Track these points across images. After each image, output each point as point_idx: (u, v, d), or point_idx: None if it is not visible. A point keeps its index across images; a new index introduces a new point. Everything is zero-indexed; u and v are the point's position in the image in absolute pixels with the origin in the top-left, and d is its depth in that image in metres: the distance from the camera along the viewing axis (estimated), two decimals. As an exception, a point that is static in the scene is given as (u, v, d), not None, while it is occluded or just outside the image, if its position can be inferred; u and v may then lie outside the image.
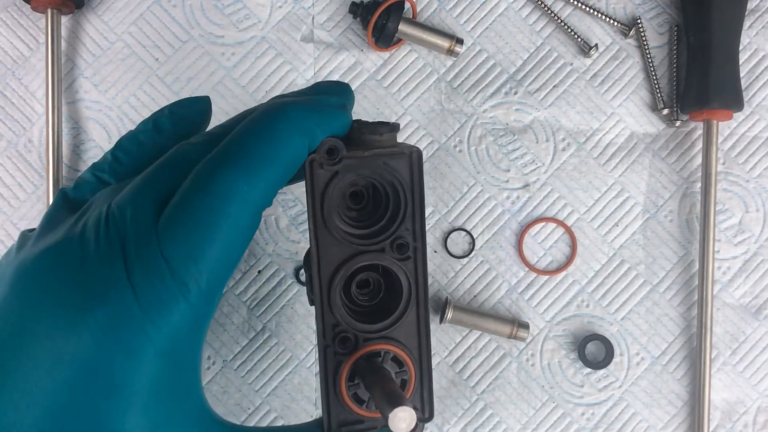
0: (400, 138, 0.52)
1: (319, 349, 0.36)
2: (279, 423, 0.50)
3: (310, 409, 0.50)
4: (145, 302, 0.28)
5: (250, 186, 0.30)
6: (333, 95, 0.36)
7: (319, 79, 0.52)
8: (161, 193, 0.30)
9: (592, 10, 0.52)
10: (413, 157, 0.36)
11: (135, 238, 0.29)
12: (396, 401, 0.32)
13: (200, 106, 0.38)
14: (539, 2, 0.52)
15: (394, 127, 0.37)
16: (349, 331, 0.37)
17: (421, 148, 0.52)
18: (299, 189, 0.51)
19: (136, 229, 0.29)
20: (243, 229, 0.31)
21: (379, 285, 0.38)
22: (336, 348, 0.36)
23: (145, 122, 0.37)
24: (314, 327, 0.51)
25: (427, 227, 0.51)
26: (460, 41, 0.51)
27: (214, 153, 0.31)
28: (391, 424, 0.31)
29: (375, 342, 0.37)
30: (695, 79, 0.50)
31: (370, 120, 0.44)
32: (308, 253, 0.38)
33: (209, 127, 0.37)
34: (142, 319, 0.28)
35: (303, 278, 0.51)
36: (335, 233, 0.36)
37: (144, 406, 0.29)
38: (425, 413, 0.38)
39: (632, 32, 0.52)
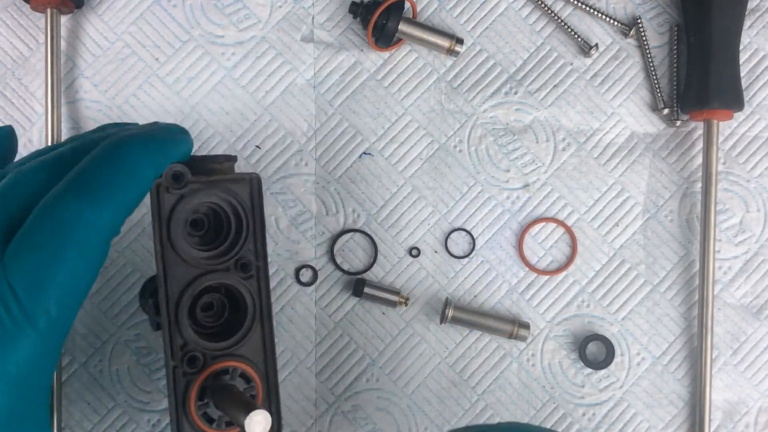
0: (402, 136, 0.52)
1: (167, 370, 0.37)
2: (279, 423, 0.50)
3: (310, 409, 0.50)
4: None
5: (96, 214, 0.31)
6: (173, 125, 0.37)
7: (320, 79, 0.52)
8: (4, 224, 0.30)
9: (592, 10, 0.52)
10: (253, 182, 0.38)
11: None
12: (249, 407, 0.33)
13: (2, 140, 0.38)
14: (539, 2, 0.52)
15: (230, 158, 0.39)
16: (197, 350, 0.38)
17: (421, 148, 0.52)
18: (299, 189, 0.51)
19: None
20: (91, 256, 0.31)
21: (222, 306, 0.39)
22: (184, 368, 0.37)
23: None
24: (315, 327, 0.51)
25: (428, 227, 0.51)
26: (460, 41, 0.51)
27: (62, 182, 0.31)
28: (248, 429, 0.32)
29: (222, 360, 0.38)
30: (695, 79, 0.50)
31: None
32: (151, 279, 0.39)
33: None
34: None
35: (303, 278, 0.51)
36: (182, 254, 0.37)
37: None
38: (274, 427, 0.38)
39: (632, 32, 0.52)
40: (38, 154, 0.35)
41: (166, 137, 0.35)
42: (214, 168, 0.38)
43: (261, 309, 0.40)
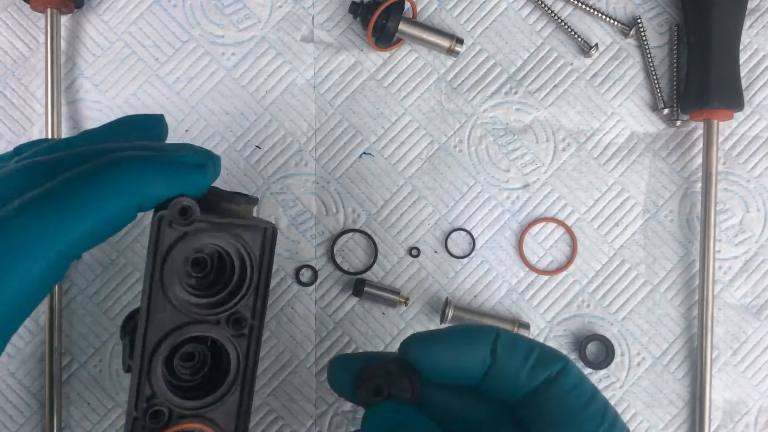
0: (402, 136, 0.52)
1: (127, 419, 0.34)
2: (279, 423, 0.50)
3: (310, 409, 0.50)
4: None
5: (54, 237, 0.29)
6: (193, 156, 0.34)
7: (320, 79, 0.52)
8: None
9: (592, 10, 0.52)
10: (267, 233, 0.34)
11: None
12: None
13: None
14: (539, 2, 0.52)
15: (251, 200, 0.36)
16: (164, 404, 0.34)
17: (421, 148, 0.52)
18: (299, 189, 0.51)
19: None
20: (39, 278, 0.29)
21: (204, 359, 0.36)
22: (146, 422, 0.34)
23: None
24: (314, 327, 0.51)
25: (428, 227, 0.51)
26: (460, 41, 0.51)
27: (32, 194, 0.29)
28: None
29: (190, 420, 0.35)
30: (695, 79, 0.50)
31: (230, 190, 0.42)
32: (132, 314, 0.36)
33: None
34: None
35: (303, 278, 0.51)
36: (171, 298, 0.34)
37: None
38: None
39: (632, 32, 0.52)
40: (40, 143, 0.34)
41: (171, 167, 0.32)
42: (230, 209, 0.35)
43: (245, 373, 0.36)
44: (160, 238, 0.33)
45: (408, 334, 0.50)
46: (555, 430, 0.32)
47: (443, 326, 0.51)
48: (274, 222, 0.51)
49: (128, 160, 0.31)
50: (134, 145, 0.34)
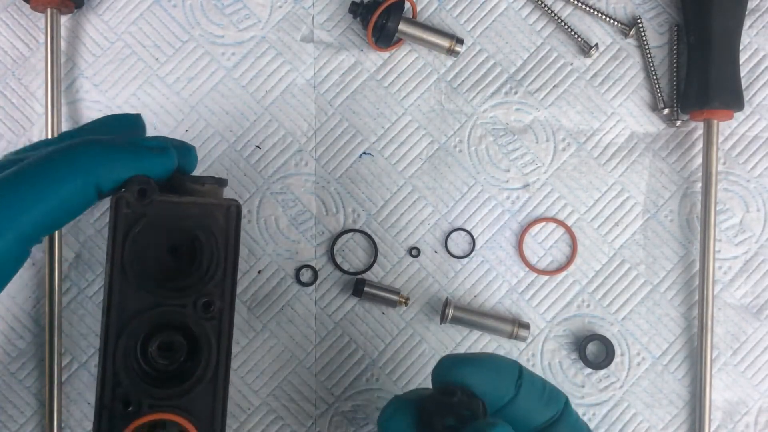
0: (402, 136, 0.52)
1: (95, 410, 0.33)
2: (279, 423, 0.50)
3: (310, 410, 0.50)
4: None
5: (10, 219, 0.29)
6: (154, 141, 0.35)
7: (320, 79, 0.52)
8: None
9: (592, 10, 0.52)
10: (231, 210, 0.33)
11: None
12: None
13: None
14: (539, 2, 0.52)
15: (220, 182, 0.35)
16: (133, 394, 0.33)
17: (421, 148, 0.52)
18: (299, 189, 0.51)
19: None
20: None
21: (181, 349, 0.34)
22: (113, 410, 0.33)
23: None
24: (314, 327, 0.51)
25: (428, 227, 0.51)
26: (460, 41, 0.51)
27: None
28: None
29: (161, 410, 0.33)
30: (695, 79, 0.50)
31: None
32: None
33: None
34: None
35: (303, 278, 0.51)
36: (133, 280, 0.33)
37: None
38: None
39: (632, 32, 0.52)
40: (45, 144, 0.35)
41: (130, 149, 0.33)
42: (195, 189, 0.34)
43: (218, 359, 0.34)
44: (118, 218, 0.32)
45: (408, 334, 0.51)
46: None
47: (444, 322, 0.51)
48: (275, 220, 0.51)
49: (84, 142, 0.32)
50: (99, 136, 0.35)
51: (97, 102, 0.51)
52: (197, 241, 0.34)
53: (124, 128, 0.39)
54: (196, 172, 0.39)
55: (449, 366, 0.33)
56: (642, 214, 0.52)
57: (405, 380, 0.51)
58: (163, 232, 0.34)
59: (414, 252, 0.51)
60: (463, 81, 0.52)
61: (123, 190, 0.33)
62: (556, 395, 0.35)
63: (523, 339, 0.50)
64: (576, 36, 0.52)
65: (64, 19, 0.51)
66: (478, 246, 0.52)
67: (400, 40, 0.51)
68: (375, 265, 0.51)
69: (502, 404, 0.33)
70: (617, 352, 0.51)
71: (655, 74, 0.52)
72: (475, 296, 0.51)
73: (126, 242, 0.33)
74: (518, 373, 0.34)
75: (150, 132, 0.51)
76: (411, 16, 0.51)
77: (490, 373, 0.33)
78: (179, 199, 0.33)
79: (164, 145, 0.34)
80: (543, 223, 0.52)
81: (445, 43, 0.50)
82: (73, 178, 0.31)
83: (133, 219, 0.33)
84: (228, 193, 0.51)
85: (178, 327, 0.34)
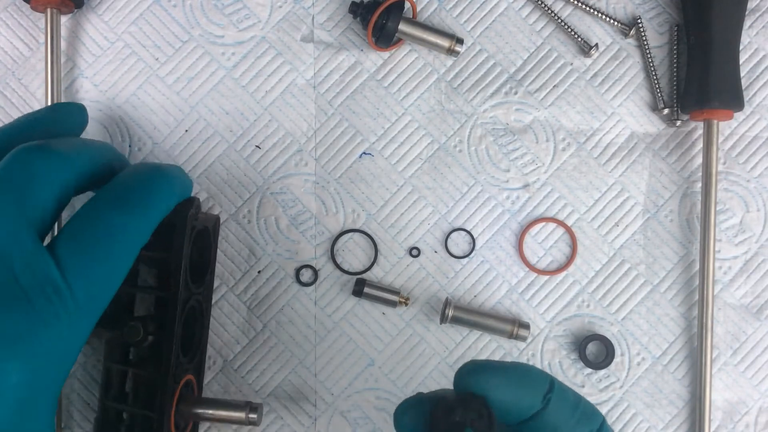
0: (402, 136, 0.52)
1: (161, 381, 0.42)
2: (279, 423, 0.50)
3: (310, 410, 0.50)
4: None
5: (137, 225, 0.36)
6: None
7: (320, 79, 0.52)
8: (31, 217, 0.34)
9: (592, 10, 0.52)
10: (218, 220, 0.49)
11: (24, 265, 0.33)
12: (251, 404, 0.44)
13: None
14: (539, 2, 0.52)
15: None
16: (178, 362, 0.43)
17: (421, 148, 0.52)
18: (299, 189, 0.51)
19: (26, 259, 0.33)
20: (129, 260, 0.36)
21: (200, 324, 0.47)
22: (171, 371, 0.42)
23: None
24: (314, 327, 0.51)
25: (428, 227, 0.51)
26: (460, 41, 0.51)
27: (110, 193, 0.37)
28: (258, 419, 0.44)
29: (187, 372, 0.45)
30: (695, 79, 0.50)
31: None
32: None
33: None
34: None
35: (303, 278, 0.51)
36: (188, 277, 0.44)
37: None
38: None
39: (632, 32, 0.52)
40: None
41: (185, 179, 0.42)
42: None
43: (204, 329, 0.47)
44: (186, 229, 0.42)
45: (408, 334, 0.51)
46: None
47: (444, 322, 0.51)
48: (275, 220, 0.51)
49: (166, 169, 0.40)
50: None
51: (97, 102, 0.51)
52: (213, 245, 0.48)
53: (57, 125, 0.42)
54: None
55: (469, 371, 0.32)
56: (642, 214, 0.52)
57: (405, 380, 0.51)
58: (200, 238, 0.46)
59: (414, 252, 0.51)
60: (463, 81, 0.52)
61: (189, 209, 0.42)
62: (591, 413, 0.33)
63: (523, 339, 0.50)
64: (576, 36, 0.52)
65: (64, 19, 0.51)
66: (478, 246, 0.52)
67: (400, 40, 0.51)
68: (375, 265, 0.51)
69: (527, 417, 0.32)
70: (617, 352, 0.51)
71: (655, 74, 0.52)
72: (475, 296, 0.51)
73: (190, 246, 0.43)
74: (549, 386, 0.32)
75: (150, 132, 0.51)
76: (411, 16, 0.51)
77: (513, 383, 0.32)
78: (205, 213, 0.46)
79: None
80: (543, 223, 0.52)
81: (445, 43, 0.50)
82: (173, 199, 0.41)
83: (192, 228, 0.43)
84: (228, 193, 0.51)
85: (195, 308, 0.46)
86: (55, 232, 0.46)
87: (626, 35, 0.52)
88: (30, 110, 0.51)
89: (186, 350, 0.45)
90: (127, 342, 0.43)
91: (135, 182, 0.38)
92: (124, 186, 0.37)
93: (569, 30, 0.52)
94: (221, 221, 0.51)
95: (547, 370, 0.51)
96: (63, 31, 0.51)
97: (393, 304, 0.50)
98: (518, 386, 0.32)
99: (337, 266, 0.51)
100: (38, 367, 0.32)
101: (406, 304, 0.50)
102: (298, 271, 0.51)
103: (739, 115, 0.52)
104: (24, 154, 0.34)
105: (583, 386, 0.51)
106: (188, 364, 0.45)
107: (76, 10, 0.51)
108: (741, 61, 0.51)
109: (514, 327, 0.50)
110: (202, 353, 0.48)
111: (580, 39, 0.52)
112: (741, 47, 0.51)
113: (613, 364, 0.51)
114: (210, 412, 0.44)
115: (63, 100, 0.51)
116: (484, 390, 0.32)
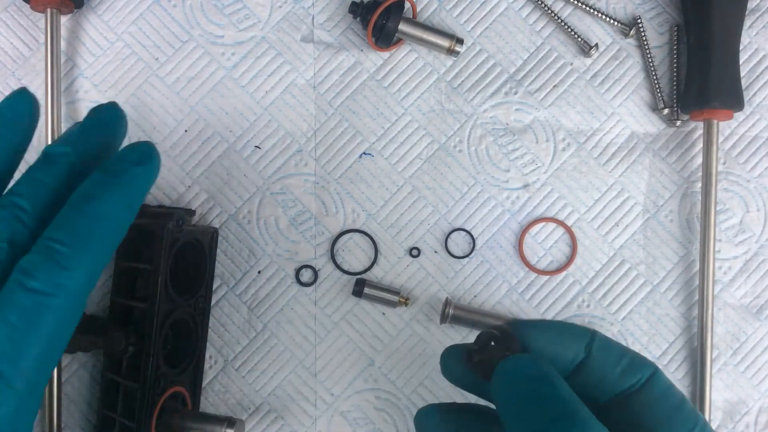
0: (402, 136, 0.52)
1: (141, 391, 0.43)
2: (279, 423, 0.50)
3: (310, 410, 0.50)
4: None
5: (72, 279, 0.29)
6: (145, 150, 0.33)
7: (320, 79, 0.52)
8: None
9: (592, 10, 0.52)
10: (215, 234, 0.49)
11: None
12: (231, 420, 0.44)
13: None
14: (539, 2, 0.52)
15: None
16: (163, 375, 0.44)
17: (421, 148, 0.52)
18: (299, 189, 0.51)
19: None
20: (67, 320, 0.29)
21: (191, 337, 0.48)
22: (155, 387, 0.43)
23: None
24: (314, 327, 0.51)
25: (428, 227, 0.51)
26: (460, 41, 0.51)
27: (40, 247, 0.29)
28: None
29: (174, 385, 0.45)
30: (695, 79, 0.50)
31: None
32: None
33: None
34: None
35: (303, 279, 0.51)
36: (169, 289, 0.44)
37: None
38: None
39: (632, 32, 0.52)
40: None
41: (131, 173, 0.31)
42: (152, 210, 0.47)
43: (200, 343, 0.48)
44: (165, 242, 0.43)
45: (408, 335, 0.51)
46: None
47: (444, 322, 0.51)
48: (275, 220, 0.51)
49: (102, 186, 0.31)
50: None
51: (97, 102, 0.51)
52: (206, 257, 0.48)
53: (107, 137, 0.34)
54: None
55: (517, 321, 0.33)
56: (642, 214, 0.52)
57: (405, 380, 0.51)
58: (191, 251, 0.47)
59: (414, 252, 0.51)
60: (463, 81, 0.52)
61: (168, 222, 0.43)
62: (640, 362, 0.33)
63: (523, 339, 0.50)
64: (576, 36, 0.52)
65: (64, 19, 0.51)
66: (478, 246, 0.52)
67: (400, 40, 0.51)
68: (375, 265, 0.51)
69: (572, 367, 0.32)
70: (617, 352, 0.51)
71: (655, 74, 0.52)
72: (475, 296, 0.51)
73: (170, 260, 0.44)
74: (590, 337, 0.33)
75: (149, 132, 0.51)
76: (411, 16, 0.51)
77: (553, 334, 0.32)
78: (193, 226, 0.47)
79: (149, 152, 0.32)
80: (543, 223, 0.52)
81: (445, 43, 0.50)
82: (126, 219, 0.31)
83: (173, 242, 0.44)
84: (228, 193, 0.51)
85: (184, 320, 0.46)
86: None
87: (626, 35, 0.52)
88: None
89: (174, 362, 0.45)
90: (110, 352, 0.44)
91: (57, 229, 0.30)
92: (50, 235, 0.30)
93: (569, 30, 0.52)
94: (221, 221, 0.51)
95: (547, 370, 0.51)
96: (63, 31, 0.51)
97: (393, 304, 0.50)
98: (557, 336, 0.32)
99: (337, 266, 0.51)
100: None
101: (406, 304, 0.50)
102: (298, 271, 0.51)
103: (739, 115, 0.52)
104: None
105: (583, 386, 0.51)
106: (177, 376, 0.45)
107: (76, 10, 0.51)
108: (741, 61, 0.51)
109: (514, 327, 0.50)
110: (198, 365, 0.48)
111: (580, 39, 0.52)
112: (741, 47, 0.51)
113: (613, 364, 0.51)
114: (191, 425, 0.44)
115: (63, 100, 0.51)
116: (527, 337, 0.32)
